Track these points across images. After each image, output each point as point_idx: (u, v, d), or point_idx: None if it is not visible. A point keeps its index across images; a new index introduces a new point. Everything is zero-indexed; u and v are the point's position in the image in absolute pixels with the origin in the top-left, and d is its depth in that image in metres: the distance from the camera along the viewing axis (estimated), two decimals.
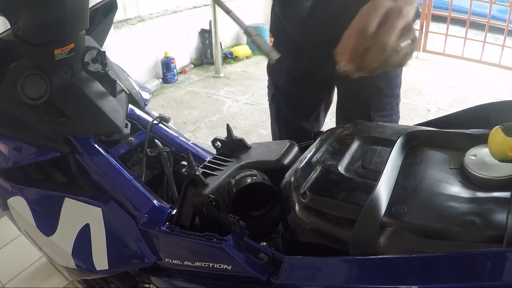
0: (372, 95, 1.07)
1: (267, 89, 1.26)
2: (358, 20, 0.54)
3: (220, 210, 0.66)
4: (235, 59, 4.58)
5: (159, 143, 1.07)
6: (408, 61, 0.56)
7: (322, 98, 1.21)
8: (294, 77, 1.13)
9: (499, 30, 4.22)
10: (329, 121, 1.35)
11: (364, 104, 1.09)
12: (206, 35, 4.30)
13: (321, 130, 1.29)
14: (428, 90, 3.56)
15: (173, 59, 3.92)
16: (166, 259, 0.76)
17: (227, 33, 4.63)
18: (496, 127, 0.51)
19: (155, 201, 0.82)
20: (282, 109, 1.22)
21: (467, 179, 0.54)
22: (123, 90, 1.06)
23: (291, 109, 1.21)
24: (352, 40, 0.54)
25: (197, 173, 0.68)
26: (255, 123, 2.99)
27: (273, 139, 1.34)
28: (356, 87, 1.08)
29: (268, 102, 1.28)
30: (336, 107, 1.23)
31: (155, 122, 1.08)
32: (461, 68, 4.06)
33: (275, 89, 1.21)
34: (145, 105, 1.15)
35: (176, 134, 1.09)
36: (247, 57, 4.68)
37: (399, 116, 1.16)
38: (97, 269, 0.87)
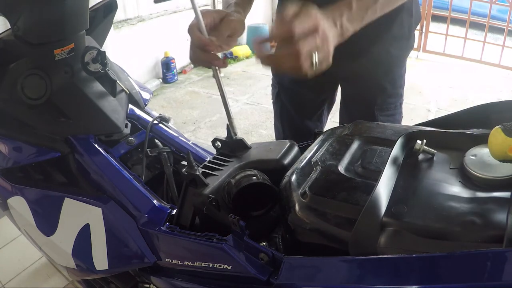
0: (377, 95, 1.08)
1: (271, 88, 1.27)
2: (287, 24, 0.59)
3: (220, 210, 0.66)
4: (235, 59, 4.58)
5: (159, 143, 1.07)
6: (314, 73, 0.63)
7: (326, 97, 1.22)
8: (298, 77, 1.14)
9: (499, 30, 4.21)
10: (329, 121, 1.35)
11: (369, 103, 1.09)
12: None
13: (323, 129, 1.30)
14: (428, 90, 3.56)
15: (173, 59, 3.92)
16: (166, 259, 0.76)
17: None
18: (496, 127, 0.51)
19: (155, 201, 0.82)
20: (286, 108, 1.22)
21: (467, 179, 0.54)
22: (123, 90, 1.06)
23: (295, 108, 1.21)
24: (277, 37, 0.61)
25: (197, 173, 0.68)
26: (255, 123, 2.99)
27: (276, 138, 1.34)
28: (362, 87, 1.09)
29: (272, 101, 1.28)
30: (340, 107, 1.23)
31: (155, 122, 1.08)
32: (461, 68, 4.06)
33: (280, 87, 1.21)
34: (145, 105, 1.15)
35: (176, 134, 1.09)
36: (247, 57, 4.67)
37: (402, 116, 1.16)
38: (97, 269, 0.87)
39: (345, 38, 0.68)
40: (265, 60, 0.64)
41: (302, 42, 0.59)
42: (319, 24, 0.60)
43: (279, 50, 0.62)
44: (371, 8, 0.70)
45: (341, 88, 1.19)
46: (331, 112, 1.30)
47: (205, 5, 4.23)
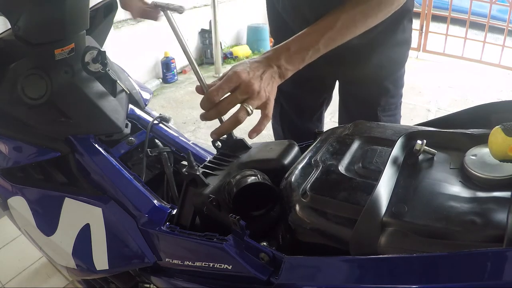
0: (380, 96, 1.09)
1: None
2: (215, 88, 0.70)
3: (221, 210, 0.66)
4: (235, 59, 4.58)
5: (160, 143, 1.07)
6: (240, 122, 0.72)
7: (325, 98, 1.23)
8: (297, 80, 1.15)
9: (499, 30, 4.21)
10: (329, 121, 1.35)
11: (372, 104, 1.11)
12: (206, 35, 4.30)
13: (323, 129, 1.31)
14: (428, 90, 3.56)
15: (173, 59, 3.92)
16: (167, 259, 0.76)
17: (227, 33, 4.63)
18: (496, 127, 0.51)
19: (155, 201, 0.82)
20: (286, 111, 1.23)
21: (468, 179, 0.54)
22: (123, 90, 1.06)
23: (295, 111, 1.22)
24: (204, 102, 0.72)
25: (198, 173, 0.68)
26: (255, 123, 2.97)
27: (275, 140, 1.34)
28: (365, 89, 1.10)
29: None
30: (339, 107, 1.24)
31: (156, 122, 1.08)
32: (461, 68, 4.06)
33: (279, 91, 1.21)
34: (145, 105, 1.15)
35: (176, 134, 1.09)
36: (247, 57, 4.66)
37: (400, 115, 1.18)
38: (97, 269, 0.87)
39: (286, 77, 0.76)
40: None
41: (220, 103, 0.71)
42: (239, 80, 0.69)
43: (206, 115, 0.73)
44: (312, 48, 0.75)
45: (341, 89, 1.20)
46: (332, 112, 1.30)
47: (205, 5, 4.23)
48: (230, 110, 0.72)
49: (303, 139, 0.87)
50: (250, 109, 0.70)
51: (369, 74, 1.05)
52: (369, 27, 0.79)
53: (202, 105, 0.72)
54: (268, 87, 0.72)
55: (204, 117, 0.73)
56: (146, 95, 1.17)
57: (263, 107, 0.73)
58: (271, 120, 1.31)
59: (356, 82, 1.11)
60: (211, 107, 0.71)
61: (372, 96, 1.10)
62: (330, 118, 1.33)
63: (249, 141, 0.80)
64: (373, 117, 1.10)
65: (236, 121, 0.71)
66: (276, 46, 0.76)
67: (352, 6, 0.75)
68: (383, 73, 1.06)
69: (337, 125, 0.87)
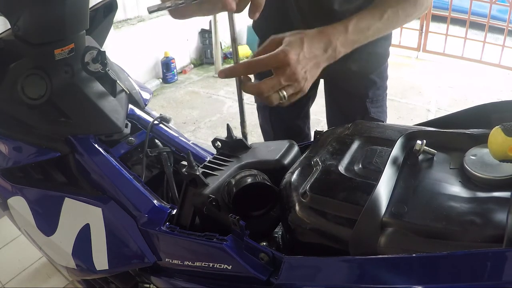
0: (368, 88, 1.13)
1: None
2: (260, 61, 0.67)
3: (220, 210, 0.66)
4: None
5: (159, 143, 1.07)
6: (284, 103, 0.70)
7: (310, 95, 1.26)
8: None
9: (499, 30, 4.21)
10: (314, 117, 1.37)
11: (361, 97, 1.14)
12: (206, 35, 4.30)
13: (309, 125, 1.31)
14: (428, 90, 3.56)
15: (173, 59, 3.92)
16: (166, 259, 0.76)
17: (227, 33, 4.62)
18: (496, 127, 0.51)
19: (155, 201, 0.82)
20: (275, 111, 1.24)
21: (467, 179, 0.54)
22: (123, 90, 1.06)
23: (284, 109, 1.22)
24: (239, 68, 0.68)
25: (197, 173, 0.68)
26: (255, 123, 2.96)
27: (265, 141, 1.35)
28: (353, 83, 1.13)
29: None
30: (326, 102, 1.27)
31: (156, 122, 1.08)
32: (461, 68, 4.06)
33: None
34: (145, 105, 1.15)
35: (176, 134, 1.09)
36: (247, 57, 4.67)
37: (386, 107, 1.21)
38: (97, 269, 0.87)
39: (335, 60, 0.72)
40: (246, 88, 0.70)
41: (264, 84, 0.66)
42: (287, 64, 0.64)
43: (246, 85, 0.69)
44: (363, 34, 0.75)
45: (327, 85, 1.23)
46: (315, 112, 1.31)
47: None
48: None
49: (294, 136, 0.87)
50: (284, 96, 0.67)
51: (360, 69, 1.08)
52: (403, 24, 0.82)
53: (235, 70, 0.68)
54: (312, 72, 0.69)
55: (243, 87, 0.69)
56: (146, 95, 1.17)
57: (300, 94, 0.70)
58: (259, 121, 1.34)
59: (343, 77, 1.13)
60: (246, 75, 0.68)
61: (361, 89, 1.13)
62: (315, 115, 1.38)
63: (249, 141, 0.80)
64: (363, 109, 1.14)
65: (265, 98, 0.67)
66: (334, 24, 0.72)
67: (396, 2, 0.78)
68: (368, 67, 1.10)
69: (321, 123, 0.88)
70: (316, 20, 0.78)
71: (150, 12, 0.70)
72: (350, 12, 0.78)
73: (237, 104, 0.78)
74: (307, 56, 0.67)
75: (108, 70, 1.01)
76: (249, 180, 0.64)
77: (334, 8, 0.91)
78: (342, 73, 1.08)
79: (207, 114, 3.26)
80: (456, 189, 0.53)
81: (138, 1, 3.58)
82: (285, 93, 0.67)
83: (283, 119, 1.25)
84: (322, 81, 1.22)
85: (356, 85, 1.13)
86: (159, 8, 0.68)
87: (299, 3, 0.95)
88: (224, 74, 0.68)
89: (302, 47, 0.66)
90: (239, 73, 0.68)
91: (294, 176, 0.64)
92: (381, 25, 0.76)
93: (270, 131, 1.29)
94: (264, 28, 1.09)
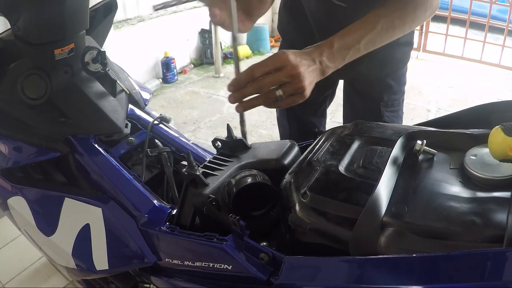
0: (383, 92, 1.13)
1: None
2: (260, 63, 0.69)
3: (220, 210, 0.66)
4: None
5: (159, 143, 1.07)
6: (281, 105, 0.72)
7: (328, 94, 1.27)
8: None
9: (499, 30, 4.21)
10: (329, 121, 1.36)
11: (375, 100, 1.14)
12: (206, 35, 4.30)
13: (325, 124, 1.32)
14: (428, 90, 3.56)
15: (173, 59, 3.92)
16: (166, 259, 0.76)
17: (227, 33, 4.61)
18: (496, 127, 0.51)
19: (155, 201, 0.82)
20: (291, 107, 1.24)
21: (467, 179, 0.54)
22: (123, 90, 1.06)
23: (300, 106, 1.24)
24: (242, 75, 0.70)
25: (198, 173, 0.68)
26: (255, 123, 2.98)
27: (280, 134, 1.37)
28: (368, 85, 1.14)
29: None
30: (344, 103, 1.27)
31: (156, 122, 1.08)
32: (461, 68, 4.06)
33: None
34: (145, 105, 1.15)
35: (176, 134, 1.09)
36: (247, 57, 4.67)
37: (403, 112, 1.21)
38: (97, 269, 0.87)
39: (326, 75, 0.74)
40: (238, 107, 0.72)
41: (263, 79, 0.68)
42: (287, 62, 0.67)
43: (244, 89, 0.70)
44: (353, 48, 0.75)
45: (345, 85, 1.23)
46: (332, 112, 1.31)
47: (205, 5, 4.22)
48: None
49: (308, 133, 0.87)
50: (281, 96, 0.69)
51: (372, 72, 1.08)
52: (405, 32, 0.81)
53: (239, 79, 0.70)
54: (310, 78, 0.71)
55: (240, 94, 0.70)
56: (146, 95, 1.17)
57: (299, 95, 0.71)
58: (277, 115, 1.35)
59: (359, 79, 1.13)
60: (250, 81, 0.69)
61: (375, 92, 1.13)
62: (331, 118, 1.33)
63: (249, 141, 0.80)
64: (377, 112, 1.14)
65: (263, 96, 0.69)
66: (318, 43, 0.74)
67: (392, 10, 0.77)
68: (385, 70, 1.09)
69: (337, 124, 0.88)
70: (330, 32, 0.78)
71: (156, 9, 0.71)
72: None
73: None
74: (303, 60, 0.70)
75: (108, 70, 1.01)
76: (249, 180, 0.64)
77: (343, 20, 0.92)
78: (357, 75, 1.09)
79: (207, 114, 3.26)
80: (456, 189, 0.53)
81: (138, 1, 3.58)
82: (281, 92, 0.69)
83: (299, 115, 1.26)
84: (341, 82, 1.23)
85: (371, 88, 1.14)
86: (164, 5, 0.70)
87: (314, 14, 1.00)
88: (233, 88, 0.71)
89: (297, 54, 0.70)
90: (244, 80, 0.70)
91: (294, 176, 0.64)
92: (375, 36, 0.75)
93: (287, 125, 1.30)
94: (287, 30, 1.15)
